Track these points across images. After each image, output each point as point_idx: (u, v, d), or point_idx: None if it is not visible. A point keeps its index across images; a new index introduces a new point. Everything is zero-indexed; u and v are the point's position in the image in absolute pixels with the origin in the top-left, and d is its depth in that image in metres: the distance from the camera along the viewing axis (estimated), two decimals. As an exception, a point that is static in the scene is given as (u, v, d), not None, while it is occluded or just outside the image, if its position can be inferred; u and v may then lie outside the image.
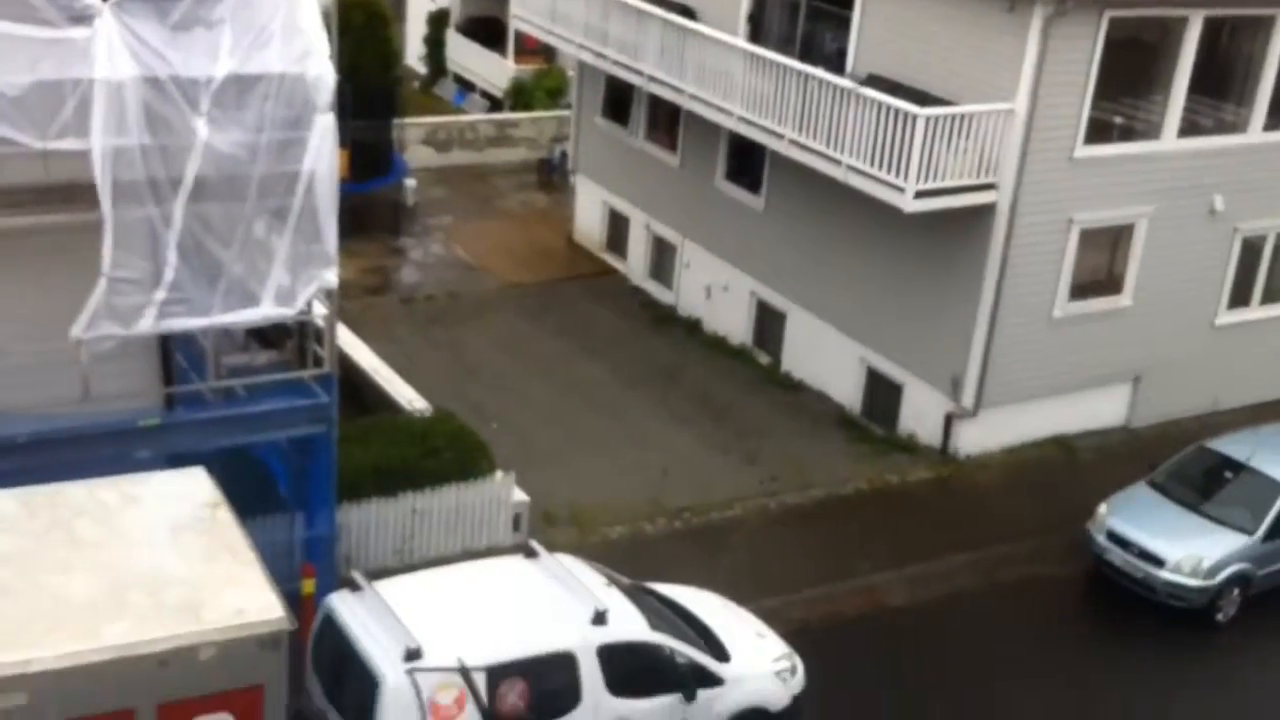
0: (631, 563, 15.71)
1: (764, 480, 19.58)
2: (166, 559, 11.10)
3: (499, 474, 17.18)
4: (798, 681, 14.47)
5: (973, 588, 17.60)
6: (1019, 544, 18.51)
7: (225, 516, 11.74)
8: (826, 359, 22.26)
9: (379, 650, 12.38)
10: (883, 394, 21.51)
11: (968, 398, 20.25)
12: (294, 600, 12.14)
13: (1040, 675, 16.11)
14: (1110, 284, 21.07)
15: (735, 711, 13.91)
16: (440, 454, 16.82)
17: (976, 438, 20.61)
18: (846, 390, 22.03)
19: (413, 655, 12.21)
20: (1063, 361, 20.73)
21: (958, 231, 19.75)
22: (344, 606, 13.01)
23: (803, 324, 22.74)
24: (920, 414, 20.93)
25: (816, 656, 14.87)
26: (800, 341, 22.85)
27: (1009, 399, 20.47)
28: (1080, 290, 20.63)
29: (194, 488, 12.06)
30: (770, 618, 15.31)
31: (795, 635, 15.13)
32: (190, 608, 10.55)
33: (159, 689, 10.19)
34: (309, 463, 14.69)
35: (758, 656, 14.41)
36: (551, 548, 14.55)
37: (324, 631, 13.11)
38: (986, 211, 19.40)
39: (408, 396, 18.73)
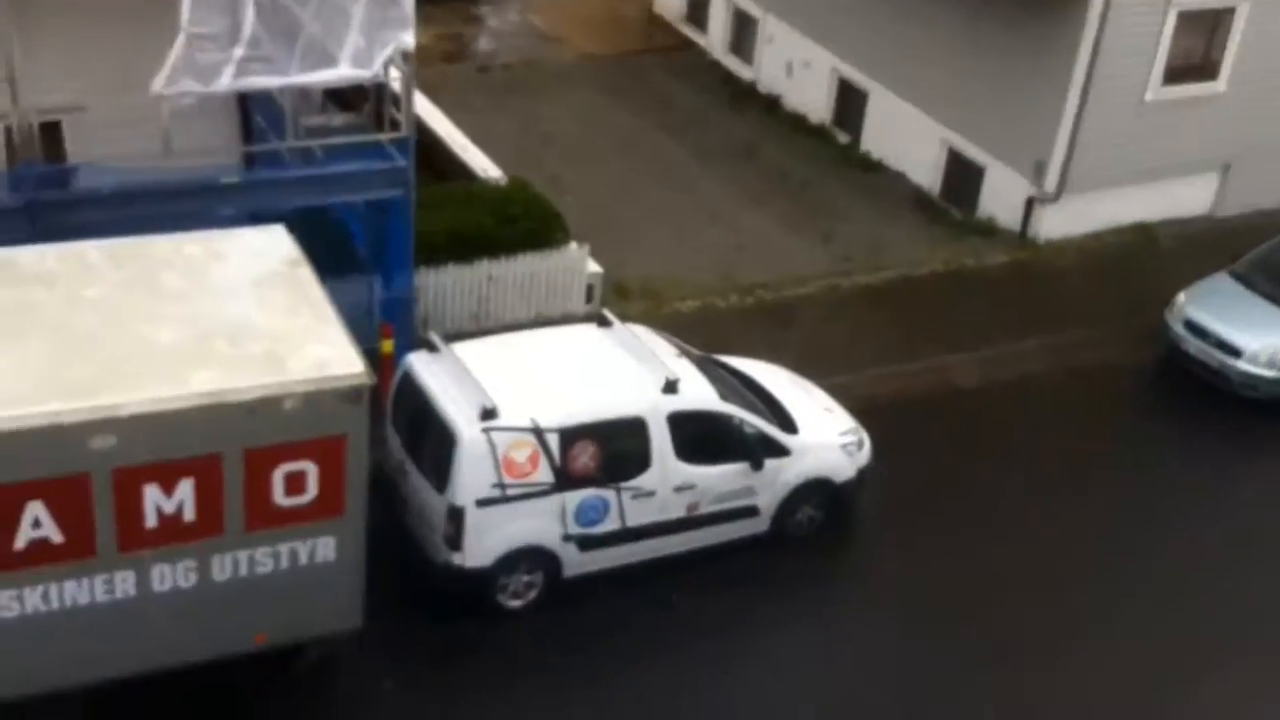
0: (702, 336, 15.80)
1: (837, 259, 19.49)
2: (250, 312, 11.32)
3: (573, 245, 17.22)
4: (864, 455, 14.68)
5: (1044, 372, 17.58)
6: (1094, 330, 18.39)
7: (306, 274, 11.90)
8: (907, 140, 21.83)
9: (456, 409, 12.68)
10: (963, 176, 21.14)
11: (1050, 182, 19.86)
12: (373, 359, 12.38)
13: (1108, 459, 16.20)
14: (1205, 69, 20.31)
15: (801, 482, 14.17)
16: (516, 223, 16.86)
17: (1057, 223, 20.29)
18: (926, 172, 21.66)
19: (488, 414, 12.50)
20: (1151, 147, 20.16)
21: (1051, 10, 19.04)
22: (422, 366, 13.29)
23: (884, 103, 22.23)
24: (1001, 197, 20.59)
25: (883, 433, 15.03)
26: (881, 121, 22.39)
27: (1093, 184, 20.04)
28: (1174, 75, 19.93)
29: (275, 245, 12.21)
30: (839, 394, 15.43)
31: (863, 412, 15.25)
32: (274, 359, 10.80)
33: (245, 435, 10.52)
34: (386, 226, 14.82)
35: (825, 429, 14.60)
36: (624, 319, 14.65)
37: (402, 390, 13.43)
38: (1083, -11, 18.69)
39: (483, 165, 18.69)
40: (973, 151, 20.89)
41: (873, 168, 22.24)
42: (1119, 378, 17.72)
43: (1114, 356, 17.97)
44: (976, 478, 15.58)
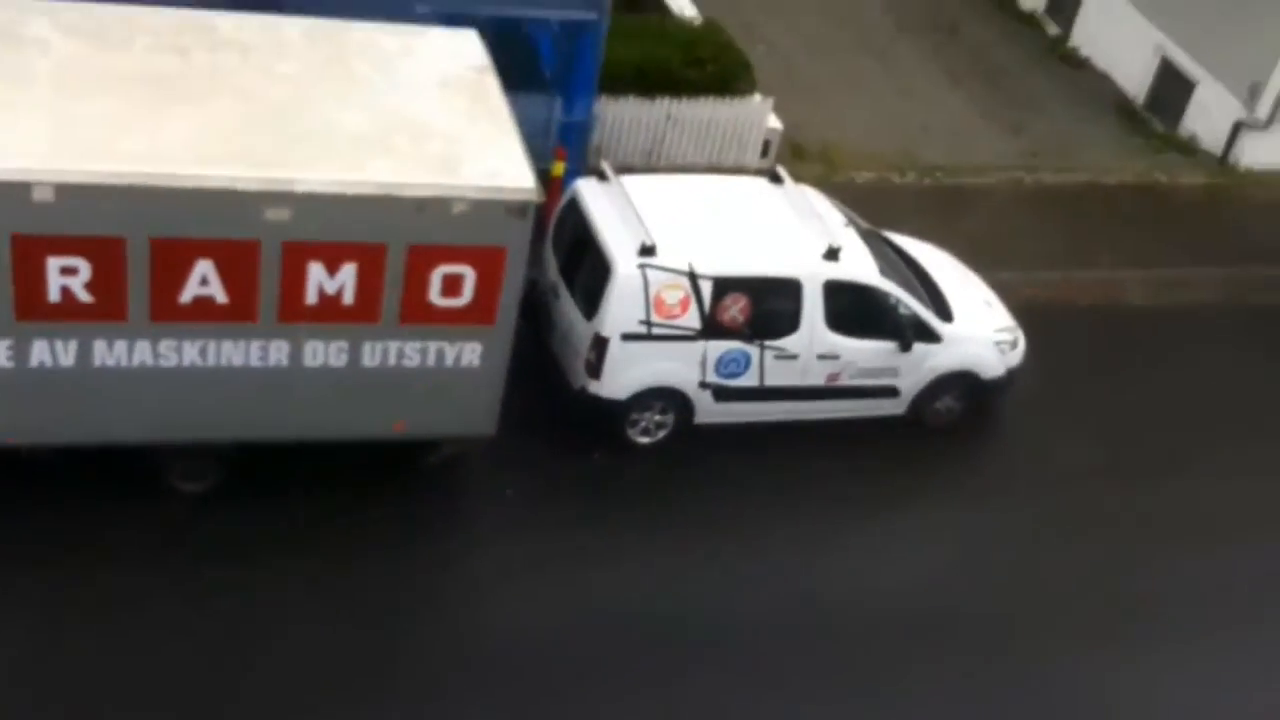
0: (873, 210, 15.48)
1: (1025, 154, 18.91)
2: (433, 112, 11.40)
3: (757, 96, 16.95)
4: (1016, 355, 14.41)
5: (1217, 304, 16.96)
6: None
7: (491, 83, 11.90)
8: (1120, 40, 20.89)
9: (616, 241, 12.72)
10: (1171, 88, 20.20)
11: (1263, 107, 18.90)
12: (543, 179, 12.42)
13: (1272, 404, 15.65)
14: None
15: (947, 371, 14.00)
16: (704, 65, 16.63)
17: (1262, 152, 19.35)
18: (1134, 77, 20.76)
19: (647, 251, 12.52)
20: (1380, 87, 19.05)
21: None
22: (590, 193, 13.32)
23: (1103, -2, 21.29)
24: (1207, 116, 19.66)
25: (1040, 337, 14.73)
26: (1096, 16, 21.44)
27: (1309, 117, 19.06)
28: None
29: (465, 49, 12.22)
30: (1002, 291, 15.10)
31: (1023, 312, 14.93)
32: (450, 161, 10.90)
33: (412, 231, 10.69)
34: (576, 49, 14.74)
35: (980, 323, 14.35)
36: (797, 180, 14.46)
37: (567, 214, 13.50)
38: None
39: (680, 3, 18.40)
40: (1186, 63, 19.93)
41: (1079, 64, 21.39)
42: (1298, 322, 17.03)
43: (1297, 300, 17.27)
44: (1127, 398, 15.21)
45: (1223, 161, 19.51)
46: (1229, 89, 19.29)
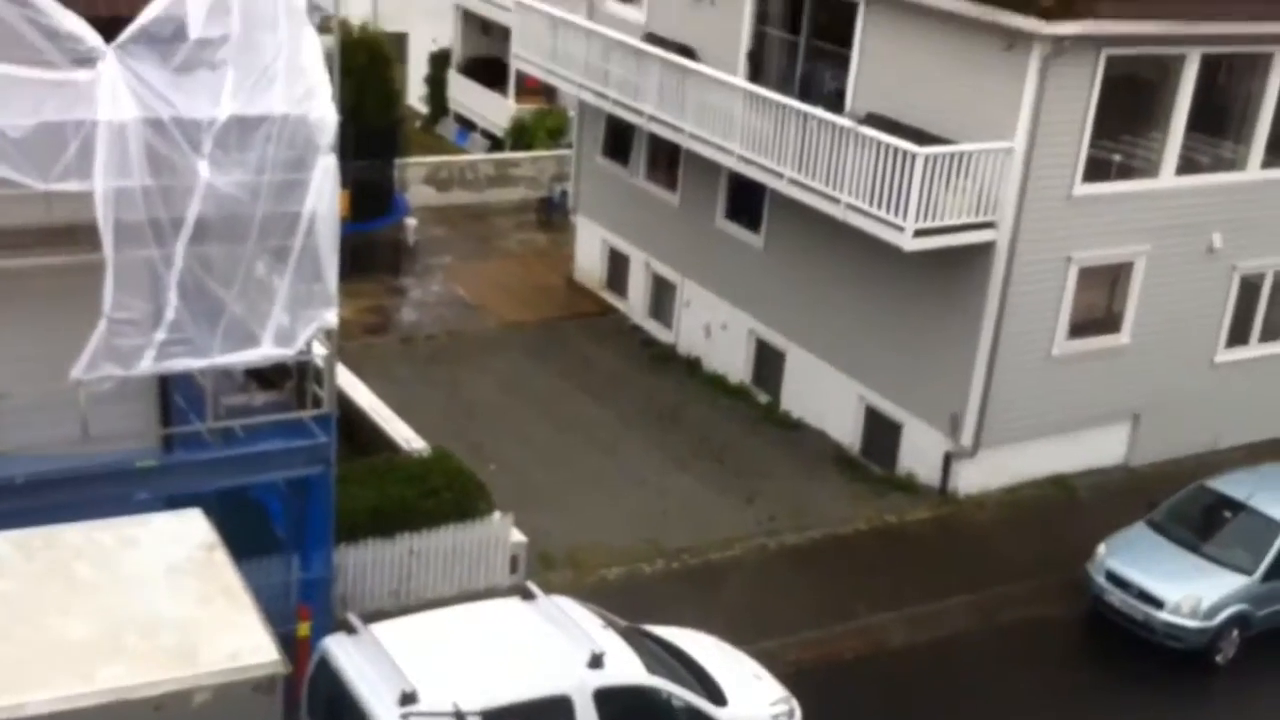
0: (629, 604, 15.66)
1: (762, 520, 19.57)
2: (162, 602, 11.11)
3: (497, 515, 17.16)
4: (795, 724, 14.44)
5: (972, 629, 17.56)
6: (1018, 585, 18.47)
7: (221, 559, 11.74)
8: (825, 398, 22.28)
9: (374, 694, 12.33)
10: (882, 433, 21.51)
11: (967, 437, 20.25)
12: (289, 642, 12.15)
13: (1039, 718, 16.03)
14: (1109, 322, 21.10)
15: (733, 754, 13.86)
16: (438, 494, 16.80)
17: (976, 477, 20.60)
18: (845, 429, 22.04)
19: (408, 699, 12.16)
20: (1061, 400, 20.73)
21: (957, 270, 19.79)
22: (340, 649, 12.97)
23: (802, 363, 22.76)
24: (919, 453, 20.92)
25: (814, 700, 14.82)
26: (799, 380, 22.87)
27: (1008, 438, 20.46)
28: (1079, 329, 20.66)
29: (190, 530, 12.07)
30: (767, 660, 15.27)
31: (792, 678, 15.07)
32: (185, 651, 10.55)
33: (154, 732, 10.17)
34: (306, 503, 14.70)
35: (754, 699, 14.35)
36: (549, 589, 14.53)
37: (319, 674, 13.06)
38: (985, 250, 19.44)
39: (406, 436, 18.74)
40: (890, 408, 21.32)
41: (793, 426, 22.58)
42: (1046, 633, 17.72)
43: (1040, 611, 18.03)
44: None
45: (942, 492, 20.64)
46: (932, 424, 20.65)
